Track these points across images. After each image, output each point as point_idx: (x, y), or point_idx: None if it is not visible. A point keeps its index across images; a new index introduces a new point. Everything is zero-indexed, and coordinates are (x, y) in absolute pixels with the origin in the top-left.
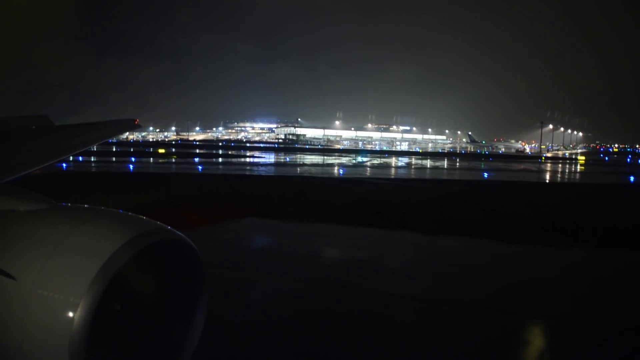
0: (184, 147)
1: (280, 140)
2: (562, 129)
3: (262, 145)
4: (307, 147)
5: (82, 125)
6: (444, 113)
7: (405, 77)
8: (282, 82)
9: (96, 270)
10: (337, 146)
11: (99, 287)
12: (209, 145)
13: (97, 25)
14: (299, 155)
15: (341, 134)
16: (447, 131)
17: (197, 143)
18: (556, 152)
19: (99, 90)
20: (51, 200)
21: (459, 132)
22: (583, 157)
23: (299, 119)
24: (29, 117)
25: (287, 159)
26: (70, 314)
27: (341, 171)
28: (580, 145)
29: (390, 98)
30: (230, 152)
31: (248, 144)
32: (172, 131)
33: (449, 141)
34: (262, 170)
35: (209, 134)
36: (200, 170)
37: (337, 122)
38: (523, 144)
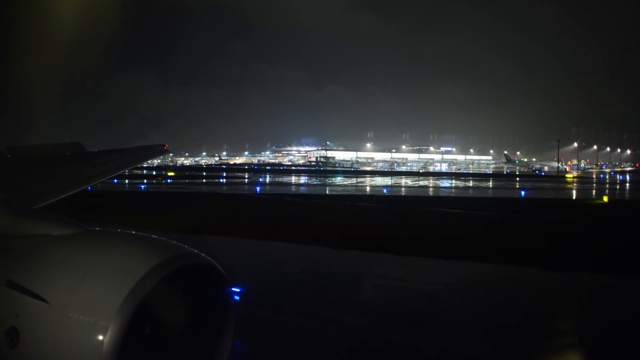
0: (202, 170)
1: (313, 163)
2: (593, 146)
3: (282, 168)
4: (322, 169)
5: (113, 151)
6: (490, 133)
7: (451, 98)
8: (331, 106)
9: (125, 294)
10: (367, 168)
11: (128, 310)
12: (233, 168)
13: (164, 58)
14: (285, 176)
15: (373, 155)
16: (491, 151)
17: (225, 167)
18: (588, 170)
19: (164, 117)
20: (83, 224)
21: (505, 152)
22: (572, 175)
23: (328, 142)
24: (63, 144)
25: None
26: (100, 337)
27: (258, 189)
28: (629, 164)
29: (436, 119)
30: (223, 174)
31: (269, 167)
32: (224, 155)
33: (493, 162)
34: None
35: (256, 158)
36: (142, 188)
37: (368, 144)
38: (569, 162)
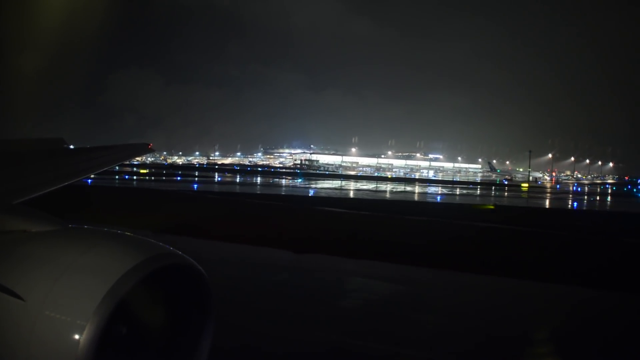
0: (180, 169)
1: (298, 165)
2: (571, 158)
3: (260, 169)
4: (298, 171)
5: (96, 148)
6: (481, 142)
7: (446, 105)
8: (327, 110)
9: (103, 293)
10: (351, 172)
11: (106, 310)
12: (214, 168)
13: (164, 57)
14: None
15: (358, 160)
16: (480, 160)
17: (206, 166)
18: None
19: (162, 116)
20: (62, 221)
21: (489, 161)
22: (526, 185)
23: (312, 145)
24: (44, 140)
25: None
26: (77, 337)
27: (196, 185)
28: (610, 176)
29: (432, 125)
30: (191, 173)
31: (249, 168)
32: (216, 155)
33: (480, 170)
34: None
35: (248, 159)
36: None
37: (354, 149)
38: (554, 173)
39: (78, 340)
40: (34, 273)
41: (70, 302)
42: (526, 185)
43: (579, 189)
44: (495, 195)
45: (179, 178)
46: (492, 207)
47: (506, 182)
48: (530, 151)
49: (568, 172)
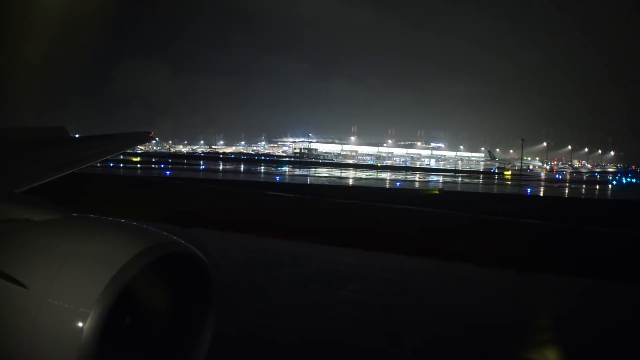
0: (175, 157)
1: (297, 154)
2: (567, 146)
3: (256, 158)
4: (293, 159)
5: (97, 137)
6: (484, 131)
7: (451, 94)
8: (332, 98)
9: (106, 281)
10: (349, 161)
11: (109, 298)
12: (211, 157)
13: (171, 46)
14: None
15: (357, 149)
16: (482, 148)
17: (204, 155)
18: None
19: (169, 105)
20: (64, 210)
21: (489, 150)
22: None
23: (310, 134)
24: (46, 128)
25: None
26: (80, 324)
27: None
28: (610, 165)
29: (437, 114)
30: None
31: (245, 157)
32: (221, 144)
33: (483, 159)
34: None
35: (251, 148)
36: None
37: (353, 138)
38: (555, 162)
39: (81, 328)
40: (37, 261)
41: (73, 290)
42: (509, 173)
43: (560, 177)
44: (460, 182)
45: (162, 165)
46: (437, 191)
47: (493, 171)
48: (522, 140)
49: (575, 162)
